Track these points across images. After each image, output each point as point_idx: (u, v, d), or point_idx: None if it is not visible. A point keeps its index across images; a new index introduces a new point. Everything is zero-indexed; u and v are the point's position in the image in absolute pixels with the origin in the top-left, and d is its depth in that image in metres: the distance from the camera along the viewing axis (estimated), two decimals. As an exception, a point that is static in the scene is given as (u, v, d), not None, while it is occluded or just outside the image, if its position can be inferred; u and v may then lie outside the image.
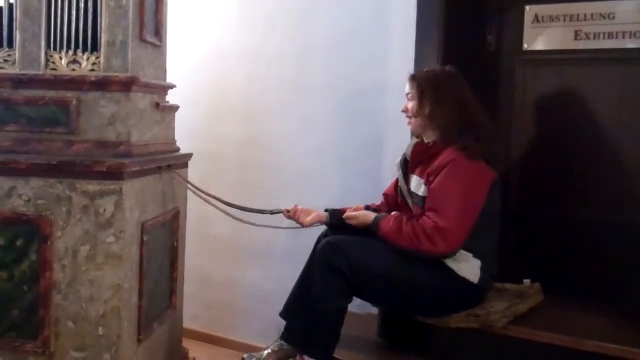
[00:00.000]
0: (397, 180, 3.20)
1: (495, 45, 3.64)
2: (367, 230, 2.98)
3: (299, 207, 3.29)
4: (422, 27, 3.53)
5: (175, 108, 3.50)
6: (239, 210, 3.44)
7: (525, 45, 3.59)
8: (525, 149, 3.61)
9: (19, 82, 3.00)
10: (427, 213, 2.86)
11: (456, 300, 2.93)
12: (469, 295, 2.92)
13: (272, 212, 3.36)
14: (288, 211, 3.30)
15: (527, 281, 3.24)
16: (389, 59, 3.68)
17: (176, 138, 3.57)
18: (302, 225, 3.27)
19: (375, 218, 2.98)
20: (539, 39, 3.56)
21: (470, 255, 2.87)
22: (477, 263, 2.88)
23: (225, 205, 3.44)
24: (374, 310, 3.37)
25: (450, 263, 2.86)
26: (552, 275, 3.33)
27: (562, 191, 3.50)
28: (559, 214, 3.50)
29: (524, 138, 3.62)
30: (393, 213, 3.03)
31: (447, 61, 3.38)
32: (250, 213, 3.43)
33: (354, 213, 3.11)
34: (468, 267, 2.87)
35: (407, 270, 2.86)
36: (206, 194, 3.44)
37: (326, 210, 3.25)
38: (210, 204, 3.45)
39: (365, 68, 3.78)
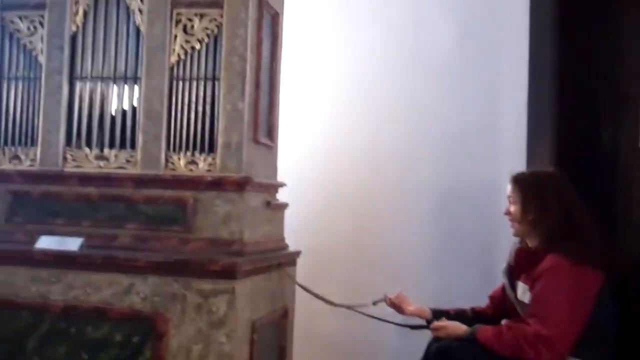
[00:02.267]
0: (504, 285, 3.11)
1: (610, 142, 3.55)
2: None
3: (403, 295, 3.24)
4: (533, 123, 3.50)
5: (284, 206, 3.57)
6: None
7: (642, 142, 3.49)
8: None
9: (140, 181, 3.16)
10: (529, 320, 2.75)
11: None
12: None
13: (374, 303, 3.32)
14: (390, 298, 3.26)
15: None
16: (499, 155, 3.66)
17: (285, 235, 3.62)
18: (403, 314, 3.22)
19: (471, 329, 2.88)
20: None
21: (585, 368, 2.73)
22: (593, 375, 2.74)
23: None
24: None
25: (565, 376, 2.72)
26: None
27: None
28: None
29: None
30: (503, 322, 2.93)
31: (560, 158, 3.33)
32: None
33: (442, 323, 3.00)
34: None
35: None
36: (313, 294, 3.44)
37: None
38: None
39: (474, 165, 3.77)
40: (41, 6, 3.32)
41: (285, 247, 3.57)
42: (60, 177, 3.25)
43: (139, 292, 2.93)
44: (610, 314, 2.83)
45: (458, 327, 2.94)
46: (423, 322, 3.21)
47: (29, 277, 3.03)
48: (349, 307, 3.42)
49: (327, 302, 3.43)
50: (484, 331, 2.83)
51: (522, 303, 2.91)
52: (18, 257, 3.06)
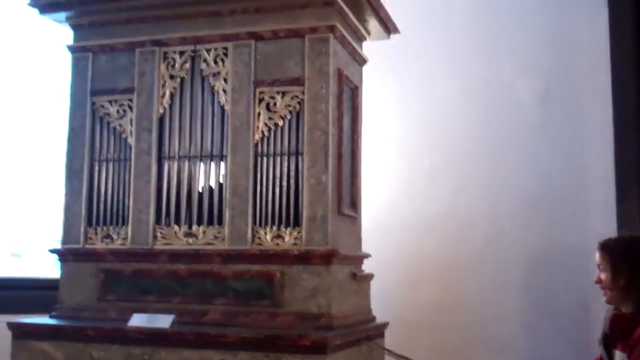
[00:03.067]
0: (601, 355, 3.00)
1: None
2: None
3: None
4: (622, 184, 3.42)
5: (370, 277, 3.56)
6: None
7: None
8: None
9: (228, 257, 3.21)
10: None
11: None
12: None
13: None
14: None
15: None
16: (587, 218, 3.57)
17: (371, 306, 3.60)
18: None
19: None
20: None
21: None
22: None
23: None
24: None
25: None
26: None
27: None
28: None
29: None
30: None
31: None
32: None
33: None
34: None
35: None
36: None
37: None
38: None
39: (562, 228, 3.68)
40: (130, 90, 3.47)
41: (373, 318, 3.54)
42: (150, 255, 3.33)
43: (230, 368, 2.95)
44: None
45: None
46: None
47: (123, 354, 3.08)
48: None
49: None
50: None
51: (620, 371, 2.80)
52: (112, 335, 3.12)
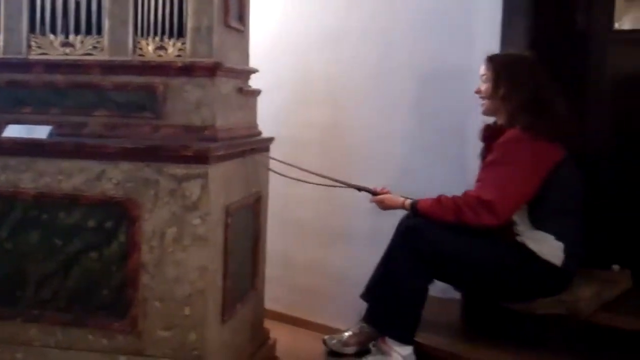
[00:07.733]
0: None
1: (584, 24, 3.52)
2: None
3: (387, 194, 3.22)
4: (508, 6, 3.45)
5: (257, 92, 3.53)
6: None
7: (616, 25, 3.46)
8: (615, 131, 3.50)
9: (108, 68, 3.08)
10: (475, 185, 2.88)
11: (539, 284, 2.89)
12: (552, 279, 2.88)
13: (359, 189, 3.32)
14: (376, 193, 3.25)
15: (616, 267, 3.16)
16: (473, 40, 3.59)
17: (259, 123, 3.60)
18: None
19: (412, 201, 2.99)
20: (631, 18, 3.42)
21: (551, 237, 2.84)
22: (559, 246, 2.84)
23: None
24: (457, 296, 3.34)
25: (531, 245, 2.84)
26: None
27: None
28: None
29: (614, 120, 3.50)
30: None
31: (534, 42, 3.32)
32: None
33: (380, 197, 3.16)
34: (550, 249, 2.83)
35: (487, 253, 2.88)
36: (300, 169, 3.48)
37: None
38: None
39: (449, 50, 3.71)
40: None
41: (259, 133, 3.54)
42: (25, 65, 3.15)
43: (110, 179, 2.92)
44: (573, 191, 2.92)
45: (395, 200, 3.10)
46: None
47: (-2, 165, 3.01)
48: (328, 178, 3.43)
49: (310, 172, 3.46)
50: (424, 201, 2.95)
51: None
52: (-16, 146, 3.02)
